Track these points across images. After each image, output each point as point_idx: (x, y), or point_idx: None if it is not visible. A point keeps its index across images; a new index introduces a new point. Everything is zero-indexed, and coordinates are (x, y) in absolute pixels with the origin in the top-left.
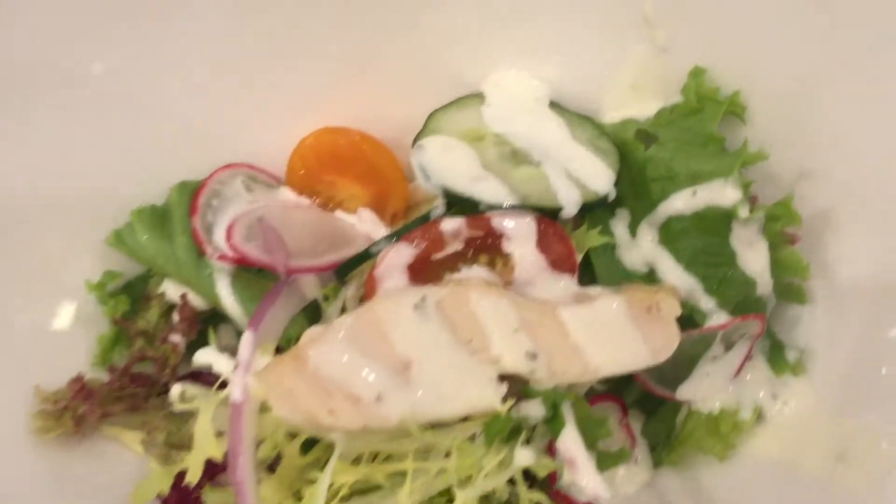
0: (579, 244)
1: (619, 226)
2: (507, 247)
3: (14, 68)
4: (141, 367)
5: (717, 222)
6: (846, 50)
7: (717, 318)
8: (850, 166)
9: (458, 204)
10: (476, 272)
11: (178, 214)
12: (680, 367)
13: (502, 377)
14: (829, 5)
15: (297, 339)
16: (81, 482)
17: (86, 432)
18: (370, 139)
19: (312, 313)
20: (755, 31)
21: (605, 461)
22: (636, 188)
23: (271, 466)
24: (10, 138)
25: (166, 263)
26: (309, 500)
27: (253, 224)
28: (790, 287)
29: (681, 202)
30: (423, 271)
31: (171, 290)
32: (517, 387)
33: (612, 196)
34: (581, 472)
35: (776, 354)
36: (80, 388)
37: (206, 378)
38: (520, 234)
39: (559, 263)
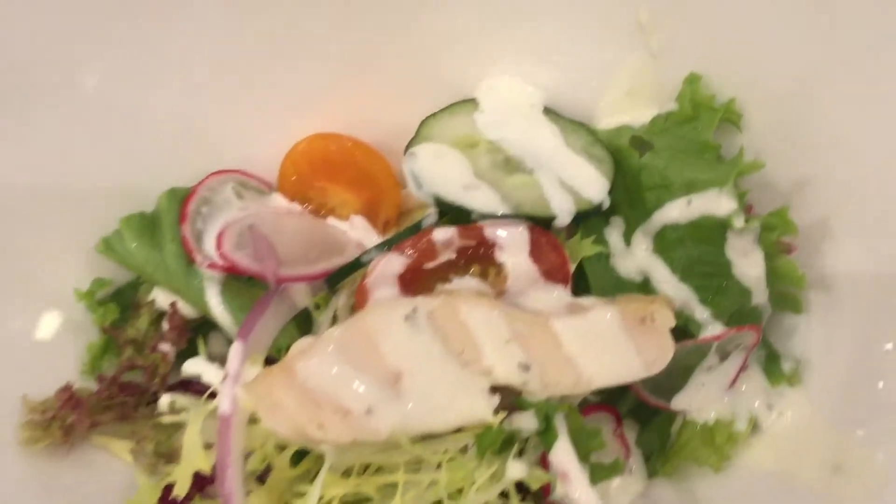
0: (573, 253)
1: (614, 234)
2: (500, 256)
3: (4, 73)
4: (130, 376)
5: (712, 232)
6: (843, 55)
7: (712, 329)
8: (848, 174)
9: (450, 212)
10: (468, 282)
11: (167, 222)
12: (675, 377)
13: (494, 389)
14: (827, 11)
15: (288, 348)
16: (70, 492)
17: (74, 442)
18: (362, 145)
19: (303, 322)
20: (751, 38)
21: (599, 473)
22: (631, 196)
23: (261, 478)
24: None
25: (155, 271)
26: None
27: (243, 232)
28: (786, 296)
29: (675, 211)
30: (415, 281)
31: (161, 297)
32: (509, 398)
33: (607, 205)
34: (574, 484)
35: (772, 364)
36: (69, 398)
37: (196, 387)
38: (512, 244)
39: (552, 273)
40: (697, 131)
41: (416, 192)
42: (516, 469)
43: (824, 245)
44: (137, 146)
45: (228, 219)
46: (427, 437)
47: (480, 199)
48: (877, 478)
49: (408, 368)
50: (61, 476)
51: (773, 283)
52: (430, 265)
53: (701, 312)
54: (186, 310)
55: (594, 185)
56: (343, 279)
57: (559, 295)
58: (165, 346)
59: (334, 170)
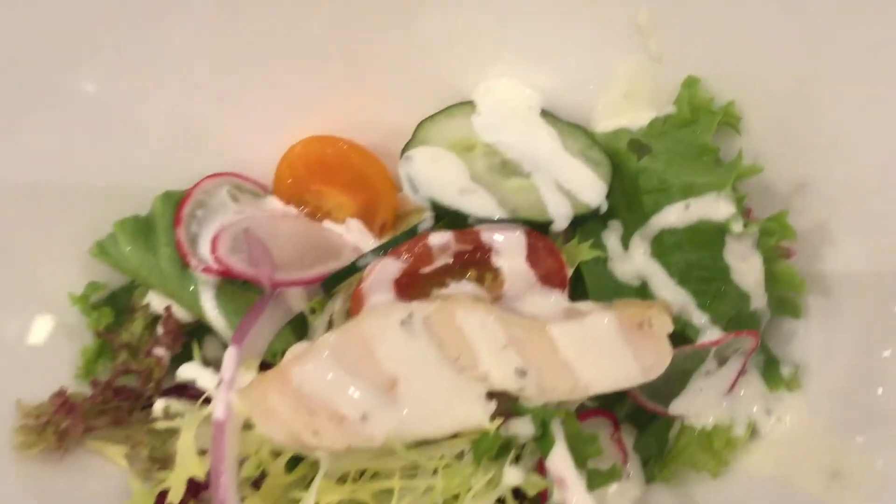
0: (570, 257)
1: (612, 238)
2: (497, 261)
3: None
4: (125, 381)
5: (710, 236)
6: (842, 58)
7: (710, 334)
8: (848, 177)
9: (446, 217)
10: (464, 287)
11: (161, 225)
12: (673, 382)
13: (491, 394)
14: (826, 13)
15: (283, 353)
16: (65, 497)
17: (69, 447)
18: (359, 148)
19: (299, 327)
20: (750, 41)
21: (596, 479)
22: (629, 200)
23: (256, 484)
24: None
25: (150, 275)
26: None
27: (238, 235)
28: (785, 301)
29: (673, 215)
30: (411, 286)
31: (156, 301)
32: (506, 404)
33: (604, 209)
34: (571, 491)
35: (771, 369)
36: (63, 403)
37: (190, 391)
38: (509, 248)
39: (549, 278)
40: (696, 134)
41: (412, 196)
42: (513, 475)
43: (823, 249)
44: (132, 149)
45: (223, 222)
46: (423, 443)
47: (477, 203)
48: (876, 483)
49: (403, 374)
50: (56, 481)
51: (771, 287)
52: (426, 270)
53: (699, 317)
54: (181, 314)
55: (592, 189)
56: (339, 283)
57: (556, 300)
58: (160, 351)
59: (330, 173)
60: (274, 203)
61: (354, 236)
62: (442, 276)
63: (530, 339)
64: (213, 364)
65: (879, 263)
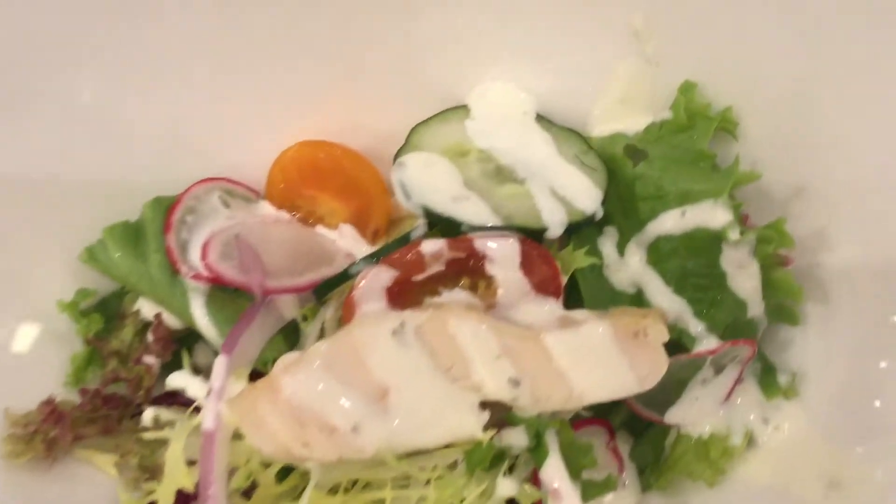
0: (565, 265)
1: (607, 244)
2: (490, 269)
3: None
4: (114, 389)
5: (706, 243)
6: (842, 62)
7: (707, 343)
8: (847, 183)
9: (439, 224)
10: (457, 296)
11: (151, 231)
12: (668, 390)
13: (484, 404)
14: (825, 17)
15: (274, 361)
16: None
17: (57, 456)
18: (351, 153)
19: (290, 334)
20: (747, 45)
21: (591, 490)
22: (624, 206)
23: (246, 494)
24: None
25: (140, 282)
26: None
27: (229, 241)
28: (782, 308)
29: (670, 222)
30: (403, 294)
31: (146, 308)
32: (499, 414)
33: (600, 215)
34: (565, 502)
35: (768, 378)
36: (52, 411)
37: (181, 399)
38: (503, 256)
39: (544, 286)
40: (692, 140)
41: (404, 203)
42: (506, 486)
43: (822, 255)
44: (121, 153)
45: (214, 228)
46: (415, 454)
47: (470, 210)
48: (875, 494)
49: (395, 384)
50: (44, 490)
51: (769, 295)
52: (419, 278)
53: (695, 326)
54: (171, 321)
55: (587, 196)
56: (331, 291)
57: (551, 308)
58: (150, 359)
59: (323, 178)
60: (266, 208)
61: (347, 242)
62: (434, 285)
63: (524, 349)
64: (204, 371)
65: (878, 271)
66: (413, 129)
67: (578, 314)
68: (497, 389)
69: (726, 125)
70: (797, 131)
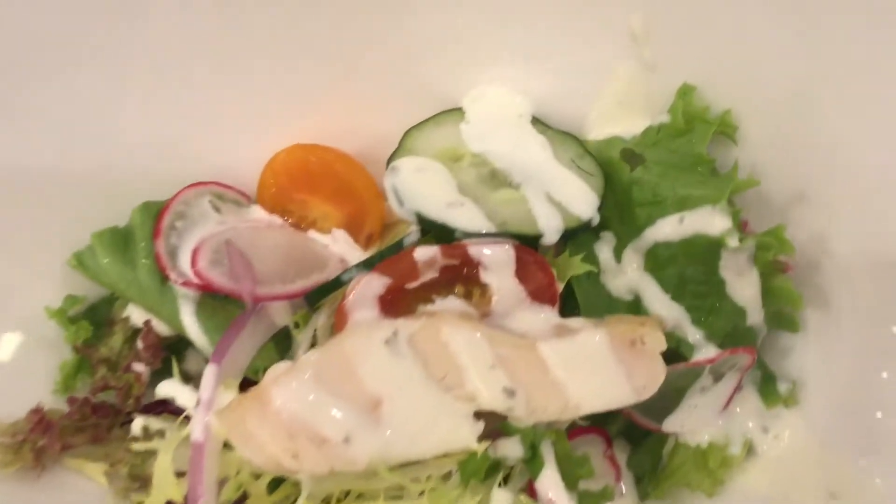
0: (561, 271)
1: (604, 250)
2: (485, 276)
3: None
4: (103, 396)
5: (705, 250)
6: (843, 64)
7: (706, 352)
8: (848, 188)
9: (432, 230)
10: (451, 304)
11: (140, 237)
12: (667, 398)
13: (478, 415)
14: (825, 18)
15: (266, 370)
16: None
17: (46, 465)
18: (344, 157)
19: (282, 341)
20: (746, 47)
21: (588, 501)
22: (621, 211)
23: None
24: None
25: (128, 288)
26: None
27: (220, 248)
28: (782, 315)
29: (668, 228)
30: (395, 303)
31: (136, 314)
32: (494, 423)
33: (596, 221)
34: None
35: (767, 386)
36: (40, 420)
37: (171, 407)
38: (498, 263)
39: (539, 294)
40: (691, 145)
41: (397, 209)
42: (501, 498)
43: (822, 261)
44: (110, 157)
45: (204, 233)
46: (408, 464)
47: (464, 216)
48: None
49: (388, 394)
50: (33, 500)
51: (768, 302)
52: (412, 285)
53: (693, 334)
54: (161, 328)
55: (583, 201)
56: (323, 298)
57: (546, 316)
58: (139, 367)
59: (315, 182)
60: (258, 212)
61: (340, 247)
62: (428, 292)
63: (519, 358)
64: (195, 378)
65: (880, 278)
66: (407, 133)
67: (575, 322)
68: (492, 399)
69: (725, 129)
70: (797, 134)
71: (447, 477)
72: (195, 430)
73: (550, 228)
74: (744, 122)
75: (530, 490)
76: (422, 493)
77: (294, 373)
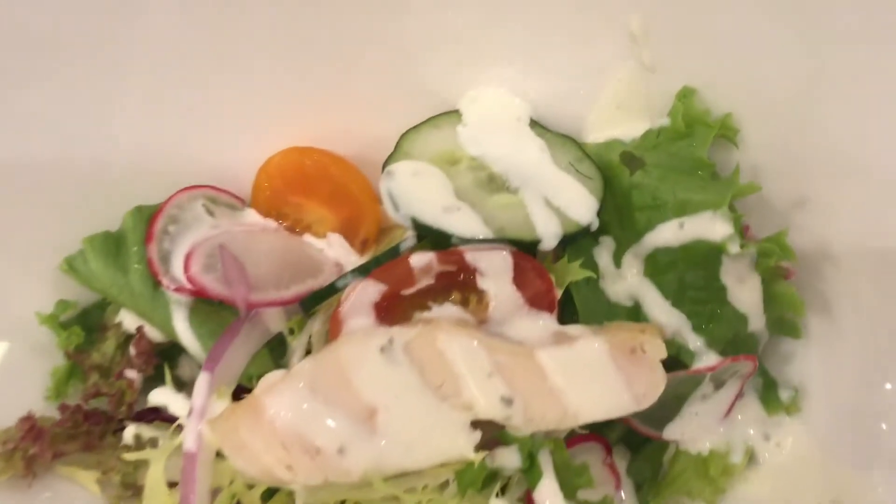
0: (559, 277)
1: (604, 254)
2: (482, 283)
3: None
4: (95, 403)
5: (706, 256)
6: (845, 64)
7: (706, 359)
8: (852, 192)
9: (429, 236)
10: (448, 311)
11: (132, 241)
12: (667, 406)
13: (475, 424)
14: (826, 19)
15: (260, 377)
16: None
17: (38, 473)
18: (339, 160)
19: (277, 347)
20: (748, 49)
21: None
22: (621, 216)
23: None
24: None
25: (120, 294)
26: None
27: (213, 252)
28: (783, 321)
29: (668, 233)
30: (391, 310)
31: (129, 320)
32: (491, 432)
33: (595, 226)
34: None
35: (769, 393)
36: (31, 428)
37: (164, 414)
38: (495, 270)
39: (537, 300)
40: (691, 148)
41: (392, 214)
42: None
43: (825, 267)
44: (102, 160)
45: (198, 238)
46: (404, 474)
47: (461, 222)
48: None
49: (383, 403)
50: None
51: (770, 308)
52: (408, 292)
53: (694, 341)
54: (154, 334)
55: (582, 205)
56: (318, 304)
57: (545, 323)
58: (132, 373)
59: (310, 185)
60: (252, 216)
61: (336, 251)
62: (424, 299)
63: (517, 366)
64: (188, 385)
65: (883, 284)
66: (403, 136)
67: (573, 329)
68: (489, 408)
69: (726, 132)
70: (799, 137)
71: (444, 487)
72: (187, 439)
73: (548, 234)
74: (745, 125)
75: (528, 500)
76: (418, 503)
77: (288, 381)
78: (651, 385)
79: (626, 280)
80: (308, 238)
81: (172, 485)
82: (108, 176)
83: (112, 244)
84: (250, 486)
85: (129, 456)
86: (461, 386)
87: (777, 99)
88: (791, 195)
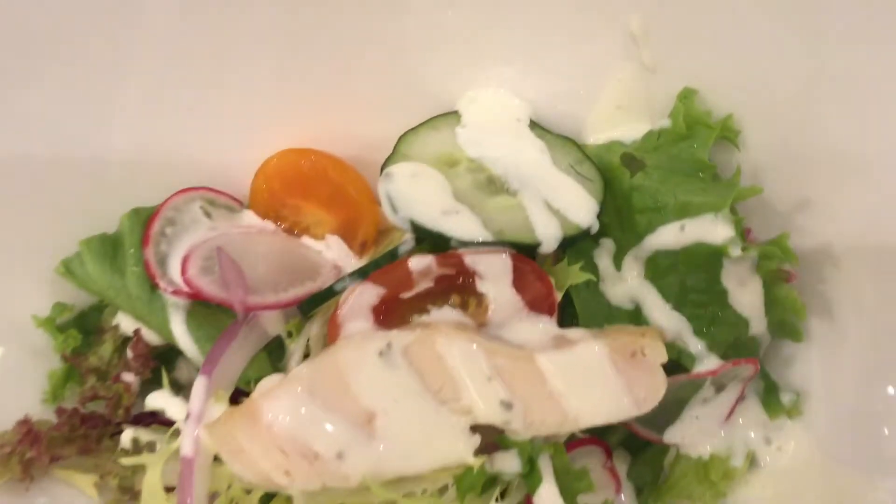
0: (559, 281)
1: (604, 257)
2: (481, 286)
3: None
4: (93, 406)
5: (707, 259)
6: (845, 63)
7: (707, 363)
8: (854, 194)
9: (427, 238)
10: (447, 314)
11: (129, 244)
12: (667, 409)
13: (474, 428)
14: (827, 20)
15: (257, 381)
16: None
17: (35, 476)
18: (337, 162)
19: (275, 350)
20: (749, 50)
21: None
22: (621, 218)
23: None
24: None
25: (117, 297)
26: None
27: (210, 255)
28: (785, 324)
29: (668, 236)
30: (390, 313)
31: (126, 322)
32: (491, 437)
33: (595, 229)
34: None
35: (770, 396)
36: (28, 432)
37: (162, 418)
38: (494, 273)
39: (537, 303)
40: (692, 150)
41: (391, 216)
42: None
43: (826, 270)
44: (99, 162)
45: (195, 240)
46: (403, 479)
47: (460, 224)
48: None
49: (381, 408)
50: None
51: (771, 311)
52: (407, 295)
53: (695, 344)
54: (151, 337)
55: (582, 208)
56: (316, 307)
57: (544, 327)
58: (129, 376)
59: (308, 187)
60: (250, 218)
61: (334, 253)
62: (423, 303)
63: (517, 370)
64: (186, 388)
65: (885, 288)
66: (401, 137)
67: (573, 333)
68: (488, 412)
69: (727, 134)
70: (800, 137)
71: (443, 491)
72: (185, 444)
73: (548, 236)
74: (746, 127)
75: None
76: None
77: (286, 386)
78: (651, 389)
79: (627, 283)
80: (306, 240)
81: (170, 489)
82: (106, 177)
83: (109, 246)
84: (248, 491)
85: (127, 461)
86: (460, 390)
87: (778, 99)
88: (792, 197)
